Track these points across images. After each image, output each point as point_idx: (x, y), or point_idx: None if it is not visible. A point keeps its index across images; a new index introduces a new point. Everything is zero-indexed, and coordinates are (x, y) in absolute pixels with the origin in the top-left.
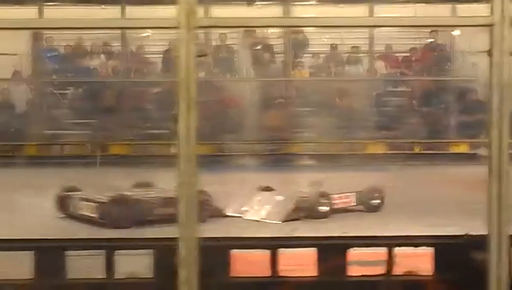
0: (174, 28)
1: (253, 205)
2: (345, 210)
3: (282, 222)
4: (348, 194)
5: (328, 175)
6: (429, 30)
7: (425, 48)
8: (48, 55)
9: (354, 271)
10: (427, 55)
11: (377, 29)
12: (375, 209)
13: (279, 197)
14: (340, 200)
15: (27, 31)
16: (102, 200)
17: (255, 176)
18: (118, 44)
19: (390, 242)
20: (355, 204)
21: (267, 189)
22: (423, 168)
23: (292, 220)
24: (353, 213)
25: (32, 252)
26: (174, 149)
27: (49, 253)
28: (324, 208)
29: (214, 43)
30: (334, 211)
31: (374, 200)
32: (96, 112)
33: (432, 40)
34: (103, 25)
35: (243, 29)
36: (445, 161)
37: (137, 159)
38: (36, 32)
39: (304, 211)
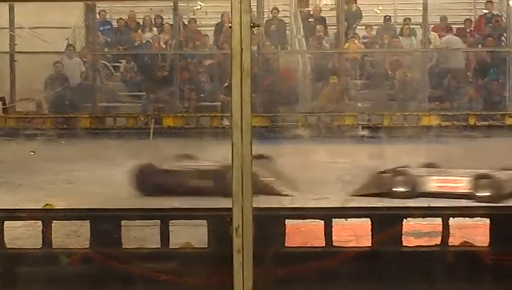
0: None
1: None
2: None
3: None
4: None
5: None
6: (485, 0)
7: (480, 19)
8: (101, 28)
9: (408, 242)
10: (482, 26)
11: (431, 0)
12: None
13: None
14: None
15: (80, 4)
16: None
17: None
18: (170, 17)
19: (446, 213)
20: None
21: None
22: (480, 141)
23: None
24: None
25: (88, 221)
26: (227, 121)
27: (104, 223)
28: None
29: (265, 17)
30: None
31: None
32: (149, 84)
33: (487, 11)
34: None
35: (296, 0)
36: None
37: (190, 131)
38: (89, 5)
39: None
